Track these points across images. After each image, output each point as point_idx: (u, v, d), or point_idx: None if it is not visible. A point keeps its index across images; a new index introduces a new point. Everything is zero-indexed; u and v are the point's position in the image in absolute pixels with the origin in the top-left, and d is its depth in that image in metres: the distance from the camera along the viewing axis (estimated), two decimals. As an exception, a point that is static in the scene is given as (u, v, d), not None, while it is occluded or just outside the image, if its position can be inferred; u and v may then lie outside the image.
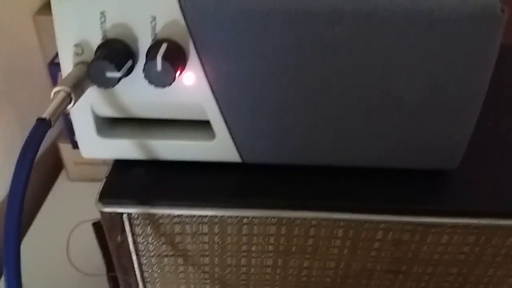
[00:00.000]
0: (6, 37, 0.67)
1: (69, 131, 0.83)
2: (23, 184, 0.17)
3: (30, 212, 0.78)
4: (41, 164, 0.85)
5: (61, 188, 0.83)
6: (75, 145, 0.83)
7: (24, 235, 0.73)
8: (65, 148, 0.86)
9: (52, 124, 0.19)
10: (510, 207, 0.26)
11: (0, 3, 0.62)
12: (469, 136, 0.25)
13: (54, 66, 0.58)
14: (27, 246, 0.72)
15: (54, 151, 0.87)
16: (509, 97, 0.36)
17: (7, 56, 0.67)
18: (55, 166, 0.89)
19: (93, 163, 0.78)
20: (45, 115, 0.18)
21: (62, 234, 0.73)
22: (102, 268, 0.65)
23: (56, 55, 0.60)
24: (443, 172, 0.27)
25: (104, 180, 0.25)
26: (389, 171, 0.27)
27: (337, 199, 0.25)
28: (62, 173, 0.88)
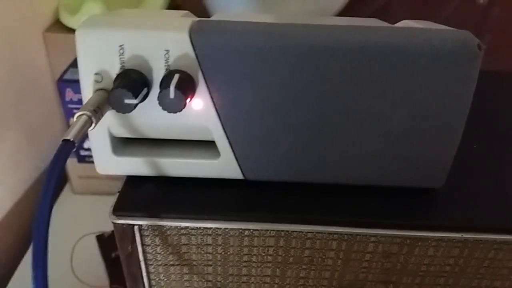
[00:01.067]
0: (16, 54, 0.70)
1: (74, 145, 0.84)
2: (50, 201, 0.19)
3: (30, 232, 0.80)
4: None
5: (66, 201, 0.85)
6: (80, 159, 0.85)
7: (28, 248, 0.75)
8: (70, 162, 0.88)
9: (76, 144, 0.21)
10: (491, 223, 0.28)
11: (10, 20, 0.65)
12: (452, 157, 0.28)
13: (62, 83, 0.61)
14: (30, 260, 0.73)
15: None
16: (494, 122, 0.38)
17: (16, 73, 0.70)
18: (60, 179, 0.90)
19: (97, 177, 0.80)
20: (70, 136, 0.21)
21: (66, 246, 0.75)
22: (105, 280, 0.67)
23: (64, 72, 0.62)
24: (429, 190, 0.30)
25: (117, 194, 0.28)
26: (380, 188, 0.29)
27: (331, 213, 0.28)
28: (66, 186, 0.90)
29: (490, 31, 0.79)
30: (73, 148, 0.21)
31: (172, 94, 0.22)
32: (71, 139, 0.21)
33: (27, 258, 0.73)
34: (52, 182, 0.20)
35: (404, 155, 0.27)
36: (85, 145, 0.85)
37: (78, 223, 0.76)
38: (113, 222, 0.27)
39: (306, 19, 0.34)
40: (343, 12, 0.68)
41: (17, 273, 0.71)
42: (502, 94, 0.44)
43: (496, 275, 0.30)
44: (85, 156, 0.84)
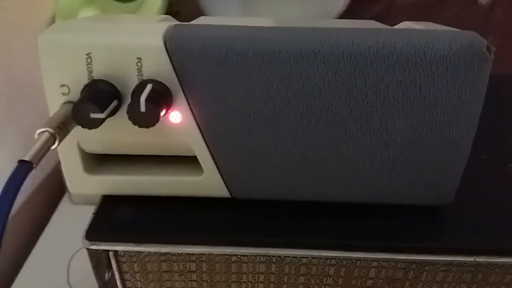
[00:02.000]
0: (12, 60, 0.68)
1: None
2: (2, 224, 0.17)
3: (32, 235, 0.78)
4: (44, 188, 0.85)
5: (64, 211, 0.83)
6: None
7: (26, 258, 0.73)
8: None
9: (34, 166, 0.18)
10: (507, 244, 0.25)
11: (4, 24, 0.63)
12: (461, 171, 0.25)
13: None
14: (28, 269, 0.71)
15: (57, 175, 0.87)
16: (504, 129, 0.35)
17: (12, 79, 0.68)
18: (58, 189, 0.89)
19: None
20: (27, 157, 0.18)
21: (63, 257, 0.73)
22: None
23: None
24: (436, 208, 0.27)
25: (91, 217, 0.25)
26: (381, 207, 0.26)
27: (328, 236, 0.25)
28: (65, 196, 0.88)
29: (493, 33, 0.77)
30: (30, 170, 0.18)
31: (142, 107, 0.19)
32: (29, 160, 0.18)
33: (24, 270, 0.71)
34: (4, 208, 0.17)
35: (407, 169, 0.24)
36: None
37: (76, 235, 0.74)
38: (86, 248, 0.24)
39: (304, 22, 0.32)
40: (343, 16, 0.66)
41: (17, 281, 0.69)
42: (507, 98, 0.41)
43: (513, 301, 0.27)
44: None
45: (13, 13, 0.66)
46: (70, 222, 0.79)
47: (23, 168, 0.18)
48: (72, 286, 0.68)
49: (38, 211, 0.83)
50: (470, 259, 0.25)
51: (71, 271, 0.71)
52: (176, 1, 0.74)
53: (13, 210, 0.74)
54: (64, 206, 0.85)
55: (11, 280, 0.69)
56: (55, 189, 0.88)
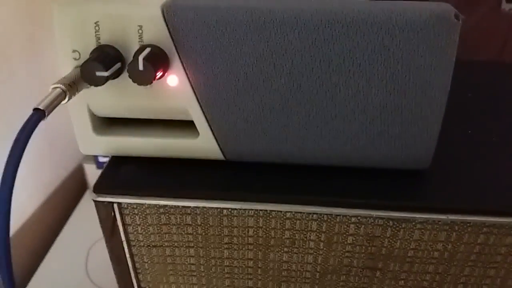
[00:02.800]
0: (38, 60, 0.72)
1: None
2: (15, 165, 0.20)
3: (54, 228, 0.83)
4: (66, 185, 0.90)
5: (85, 208, 0.88)
6: (99, 166, 0.87)
7: (47, 251, 0.77)
8: (89, 169, 0.91)
9: (46, 114, 0.21)
10: (478, 205, 0.27)
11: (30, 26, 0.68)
12: (435, 136, 0.27)
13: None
14: (48, 262, 0.75)
15: (79, 173, 0.92)
16: (491, 107, 0.37)
17: (36, 77, 0.73)
18: (80, 187, 0.93)
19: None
20: (41, 106, 0.21)
21: (82, 250, 0.77)
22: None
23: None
24: (415, 172, 0.29)
25: (100, 173, 0.28)
26: (363, 170, 0.29)
27: (310, 194, 0.27)
28: (87, 193, 0.93)
29: None
30: (43, 117, 0.21)
31: (140, 66, 0.22)
32: (42, 108, 0.21)
33: (47, 260, 0.75)
34: (18, 146, 0.20)
35: (385, 133, 0.27)
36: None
37: (95, 229, 0.77)
38: (93, 200, 0.27)
39: None
40: None
41: (36, 275, 0.73)
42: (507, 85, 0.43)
43: (489, 262, 0.29)
44: (103, 162, 0.86)
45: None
46: (90, 218, 0.83)
47: (37, 115, 0.21)
48: (91, 277, 0.72)
49: (60, 207, 0.87)
50: (443, 217, 0.27)
51: (89, 262, 0.75)
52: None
53: (37, 206, 0.79)
54: (85, 203, 0.89)
55: (34, 269, 0.73)
56: (77, 187, 0.92)
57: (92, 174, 0.90)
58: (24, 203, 0.76)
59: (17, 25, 0.68)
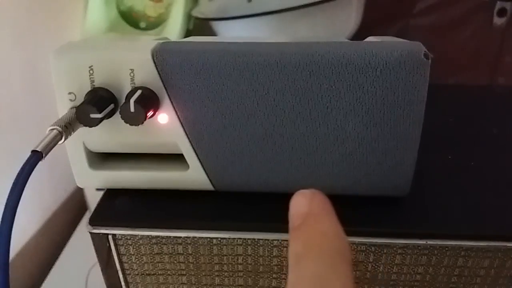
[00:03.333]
0: (38, 87, 0.74)
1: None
2: (14, 207, 0.21)
3: (53, 253, 0.83)
4: (66, 206, 0.91)
5: (84, 229, 0.88)
6: (98, 188, 0.88)
7: (47, 274, 0.78)
8: (89, 190, 0.92)
9: (44, 156, 0.23)
10: (455, 230, 0.28)
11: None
12: (412, 166, 0.28)
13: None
14: (48, 285, 0.76)
15: (79, 194, 0.93)
16: (469, 134, 0.39)
17: (38, 100, 0.74)
18: (80, 208, 0.94)
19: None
20: (39, 148, 0.23)
21: (82, 272, 0.78)
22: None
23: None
24: (395, 199, 0.30)
25: (96, 206, 0.30)
26: (345, 197, 0.30)
27: (296, 222, 0.29)
28: (86, 214, 0.94)
29: (509, 53, 0.79)
30: (40, 159, 0.23)
31: (132, 108, 0.24)
32: (39, 150, 0.23)
33: (47, 283, 0.76)
34: (17, 189, 0.22)
35: (364, 163, 0.28)
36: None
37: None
38: (89, 232, 0.29)
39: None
40: (358, 38, 0.69)
41: None
42: (490, 107, 0.45)
43: (469, 284, 0.30)
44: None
45: (44, 44, 0.73)
46: (89, 239, 0.84)
47: (35, 157, 0.23)
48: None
49: (61, 227, 0.88)
50: (422, 242, 0.28)
51: (89, 283, 0.76)
52: (194, 29, 0.80)
53: (38, 226, 0.79)
54: (84, 224, 0.90)
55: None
56: (76, 208, 0.93)
57: (92, 195, 0.91)
58: (24, 226, 0.77)
59: (14, 49, 0.70)
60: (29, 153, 0.23)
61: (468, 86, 0.48)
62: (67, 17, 0.79)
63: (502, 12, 0.76)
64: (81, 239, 0.86)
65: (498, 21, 0.76)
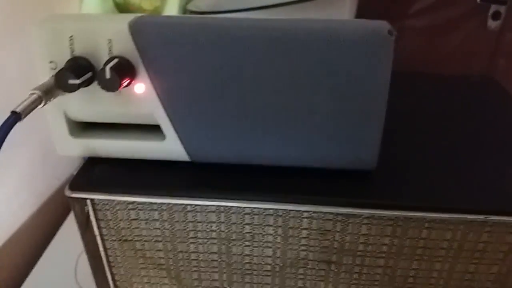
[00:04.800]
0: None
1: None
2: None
3: (44, 240, 0.84)
4: (59, 194, 0.92)
5: (73, 219, 0.89)
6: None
7: (37, 260, 0.79)
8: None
9: (22, 117, 0.24)
10: (419, 202, 0.30)
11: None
12: (378, 140, 0.30)
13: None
14: (40, 268, 0.77)
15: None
16: (442, 117, 0.40)
17: (29, 85, 0.75)
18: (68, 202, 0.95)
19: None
20: (18, 109, 0.24)
21: (71, 259, 0.79)
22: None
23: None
24: (364, 173, 0.32)
25: (75, 173, 0.31)
26: (316, 170, 0.31)
27: (266, 190, 0.30)
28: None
29: (503, 56, 0.79)
30: (19, 119, 0.24)
31: (107, 74, 0.25)
32: (19, 112, 0.24)
33: (37, 269, 0.77)
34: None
35: (333, 136, 0.29)
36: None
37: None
38: (68, 197, 0.30)
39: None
40: None
41: (26, 282, 0.75)
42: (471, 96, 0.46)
43: (433, 256, 0.32)
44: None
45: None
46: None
47: (13, 116, 0.24)
48: (79, 281, 0.74)
49: (53, 215, 0.89)
50: (387, 212, 0.30)
51: (78, 268, 0.77)
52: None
53: (29, 213, 0.80)
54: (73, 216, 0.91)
55: (25, 277, 0.75)
56: (65, 201, 0.94)
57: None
58: (16, 212, 0.78)
59: (10, 35, 0.72)
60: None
61: (444, 76, 0.49)
62: (63, 9, 0.80)
63: (496, 15, 0.76)
64: (73, 227, 0.87)
65: (492, 24, 0.76)
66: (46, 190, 0.87)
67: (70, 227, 0.87)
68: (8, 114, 0.24)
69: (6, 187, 0.66)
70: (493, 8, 0.76)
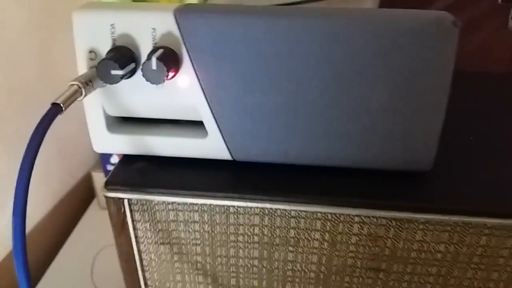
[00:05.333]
0: (49, 70, 0.74)
1: (102, 161, 0.89)
2: (33, 155, 0.21)
3: (61, 237, 0.84)
4: (74, 193, 0.91)
5: (92, 216, 0.89)
6: (106, 174, 0.89)
7: (54, 258, 0.78)
8: (97, 177, 0.92)
9: (63, 109, 0.23)
10: (479, 206, 0.28)
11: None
12: (437, 138, 0.28)
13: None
14: (55, 268, 0.76)
15: (88, 181, 0.93)
16: (496, 115, 0.38)
17: (46, 88, 0.74)
18: (88, 195, 0.95)
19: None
20: (59, 101, 0.23)
21: (88, 258, 0.78)
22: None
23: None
24: (418, 174, 0.29)
25: (111, 171, 0.29)
26: (367, 171, 0.29)
27: (314, 192, 0.28)
28: (94, 201, 0.94)
29: None
30: (60, 111, 0.23)
31: (154, 65, 0.24)
32: (60, 103, 0.23)
33: (53, 267, 0.76)
34: (36, 140, 0.21)
35: (387, 135, 0.28)
36: (112, 160, 0.89)
37: (102, 236, 0.79)
38: (104, 196, 0.28)
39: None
40: None
41: (42, 281, 0.74)
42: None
43: (492, 265, 0.29)
44: (111, 170, 0.88)
45: (60, 28, 0.73)
46: (97, 226, 0.84)
47: (54, 109, 0.22)
48: (95, 283, 0.73)
49: (68, 213, 0.88)
50: (445, 217, 0.27)
51: (94, 268, 0.76)
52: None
53: (44, 214, 0.80)
54: (92, 210, 0.90)
55: (41, 276, 0.74)
56: (85, 195, 0.94)
57: (100, 182, 0.91)
58: (32, 210, 0.77)
59: (31, 33, 0.71)
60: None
61: (488, 74, 0.47)
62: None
63: None
64: (89, 225, 0.86)
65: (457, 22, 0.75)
66: (62, 188, 0.86)
67: (85, 226, 0.86)
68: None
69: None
70: (515, 8, 0.74)
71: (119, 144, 0.29)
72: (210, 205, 0.28)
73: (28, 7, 0.70)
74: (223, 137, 0.29)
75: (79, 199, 0.92)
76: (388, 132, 0.28)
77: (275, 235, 0.29)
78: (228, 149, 0.29)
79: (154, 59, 0.24)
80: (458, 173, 0.30)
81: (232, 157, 0.30)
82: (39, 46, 0.74)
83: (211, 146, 0.29)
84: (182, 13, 0.25)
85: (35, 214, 0.78)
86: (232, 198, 0.28)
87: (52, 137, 0.71)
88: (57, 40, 0.76)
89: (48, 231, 0.83)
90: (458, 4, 0.77)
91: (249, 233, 0.29)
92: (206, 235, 0.30)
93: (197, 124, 0.29)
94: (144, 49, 0.26)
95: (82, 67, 0.26)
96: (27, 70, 0.71)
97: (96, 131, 0.29)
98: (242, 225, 0.29)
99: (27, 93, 0.71)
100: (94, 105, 0.28)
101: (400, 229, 0.28)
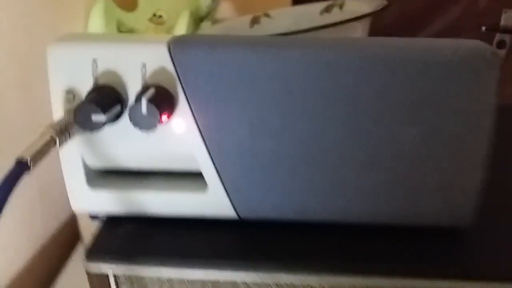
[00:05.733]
0: (31, 107, 0.70)
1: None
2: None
3: (45, 285, 0.77)
4: (58, 236, 0.84)
5: (78, 261, 0.82)
6: (92, 216, 0.83)
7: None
8: (82, 219, 0.86)
9: (31, 166, 0.18)
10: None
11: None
12: (477, 189, 0.23)
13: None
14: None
15: (72, 223, 0.87)
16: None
17: (29, 127, 0.70)
18: (73, 238, 0.88)
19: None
20: (25, 156, 0.18)
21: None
22: None
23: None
24: (455, 231, 0.25)
25: (92, 237, 0.24)
26: (394, 229, 0.25)
27: (340, 259, 0.23)
28: (79, 245, 0.88)
29: (510, 84, 0.77)
30: (26, 170, 0.18)
31: (144, 109, 0.19)
32: (26, 161, 0.18)
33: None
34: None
35: (420, 185, 0.23)
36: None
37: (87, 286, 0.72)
38: (86, 271, 0.23)
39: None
40: None
41: None
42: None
43: None
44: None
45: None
46: (83, 271, 0.77)
47: (19, 167, 0.18)
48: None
49: (52, 259, 0.82)
50: (489, 286, 0.23)
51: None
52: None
53: (27, 258, 0.73)
54: (78, 256, 0.84)
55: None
56: (69, 238, 0.87)
57: (86, 224, 0.85)
58: (12, 258, 0.70)
59: (10, 66, 0.66)
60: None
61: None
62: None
63: (501, 44, 0.75)
64: (75, 271, 0.79)
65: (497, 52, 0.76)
66: (44, 232, 0.80)
67: (72, 272, 0.79)
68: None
69: (1, 234, 0.59)
70: (498, 37, 0.74)
71: (102, 202, 0.25)
72: (215, 281, 0.23)
73: (8, 36, 0.66)
74: (226, 190, 0.24)
75: (63, 243, 0.86)
76: (421, 182, 0.23)
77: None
78: (232, 205, 0.24)
79: (144, 101, 0.19)
80: (504, 230, 0.25)
81: (237, 214, 0.25)
82: (20, 80, 0.69)
83: (212, 201, 0.24)
84: (177, 45, 0.21)
85: (15, 262, 0.71)
86: (243, 271, 0.23)
87: (33, 177, 0.66)
88: (41, 74, 0.72)
89: (31, 278, 0.76)
90: (441, 34, 0.76)
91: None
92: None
93: (195, 176, 0.24)
94: (132, 89, 0.22)
95: (58, 110, 0.22)
96: (6, 107, 0.67)
97: (74, 186, 0.24)
98: (253, 301, 0.24)
99: (6, 132, 0.66)
100: (72, 156, 0.23)
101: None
